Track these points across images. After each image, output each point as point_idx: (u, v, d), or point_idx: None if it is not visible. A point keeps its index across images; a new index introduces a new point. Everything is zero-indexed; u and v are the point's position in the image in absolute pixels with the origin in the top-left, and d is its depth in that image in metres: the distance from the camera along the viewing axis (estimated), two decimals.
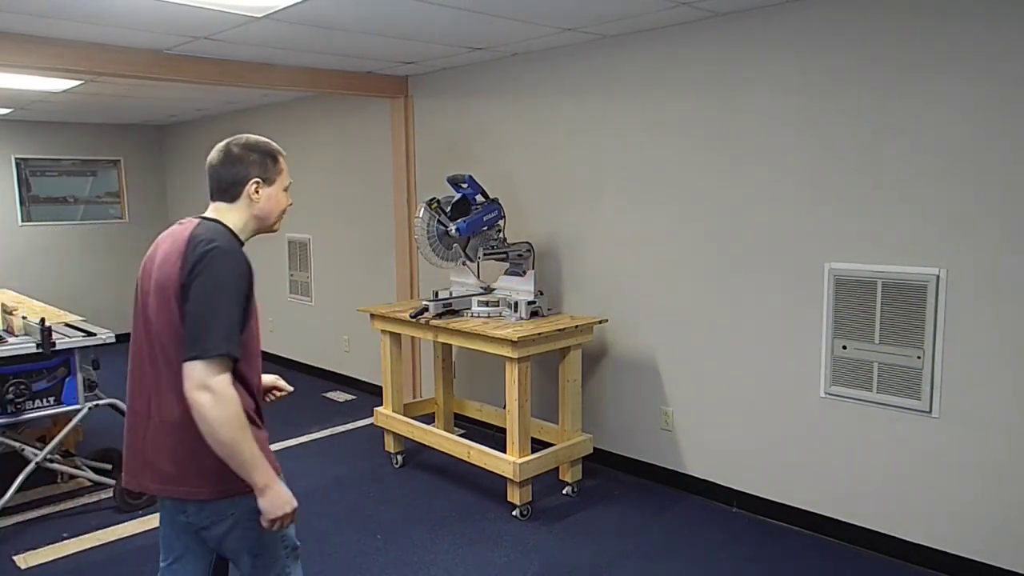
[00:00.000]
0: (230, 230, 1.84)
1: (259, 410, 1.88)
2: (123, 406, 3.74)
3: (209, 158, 1.88)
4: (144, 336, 1.80)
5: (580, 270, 4.16)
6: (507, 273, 4.04)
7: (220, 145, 1.88)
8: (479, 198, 3.97)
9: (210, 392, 1.63)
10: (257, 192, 1.86)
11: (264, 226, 1.93)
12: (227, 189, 1.86)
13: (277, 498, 1.74)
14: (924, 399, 2.94)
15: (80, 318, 4.16)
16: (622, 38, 3.78)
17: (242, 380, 1.76)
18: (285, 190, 1.94)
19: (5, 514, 3.62)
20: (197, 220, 1.83)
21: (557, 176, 4.20)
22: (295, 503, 1.78)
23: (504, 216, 3.98)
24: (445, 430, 4.40)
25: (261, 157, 1.87)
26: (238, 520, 1.81)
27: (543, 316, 3.85)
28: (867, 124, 3.00)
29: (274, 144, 1.93)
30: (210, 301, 1.68)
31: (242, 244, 1.85)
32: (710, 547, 3.27)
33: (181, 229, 1.81)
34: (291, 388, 2.20)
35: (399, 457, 4.29)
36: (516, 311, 3.78)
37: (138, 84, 5.01)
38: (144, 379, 1.81)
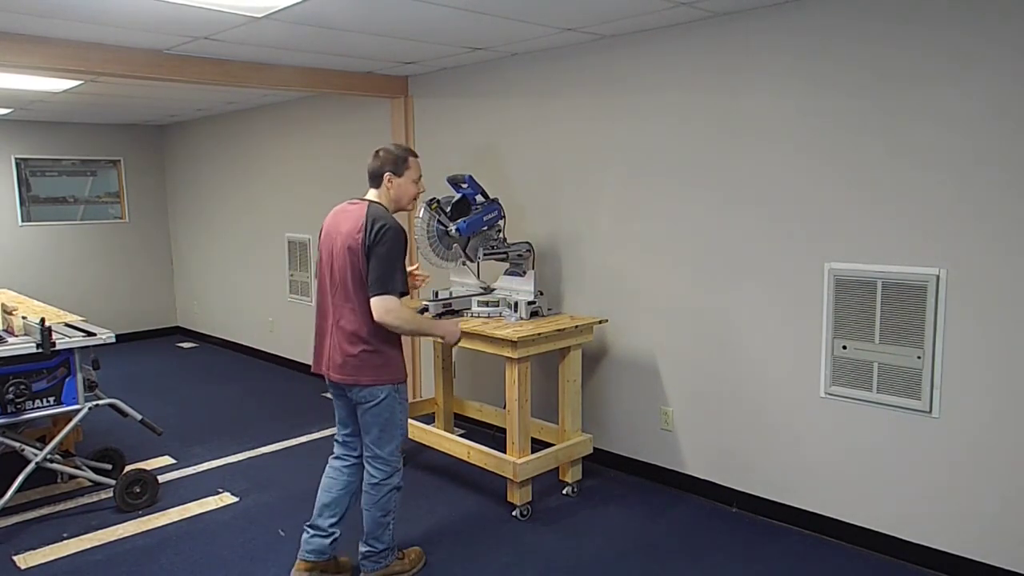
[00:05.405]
0: (386, 208, 2.73)
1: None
2: (123, 406, 3.78)
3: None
4: (330, 278, 2.74)
5: (580, 270, 4.16)
6: (507, 273, 4.04)
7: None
8: (479, 198, 3.97)
9: (393, 313, 2.65)
10: (390, 182, 2.76)
11: (399, 206, 2.82)
12: (373, 179, 2.78)
13: (450, 332, 3.01)
14: (924, 399, 2.94)
15: (80, 318, 4.16)
16: (622, 38, 3.78)
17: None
18: (415, 182, 2.83)
19: (5, 514, 3.63)
20: (367, 202, 2.73)
21: (557, 176, 4.20)
22: (458, 329, 3.05)
23: (504, 216, 3.98)
24: (445, 430, 4.40)
25: (394, 157, 2.77)
26: (379, 402, 2.74)
27: (543, 316, 3.85)
28: (867, 124, 3.00)
29: (405, 148, 2.83)
30: (389, 260, 2.63)
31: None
32: (710, 547, 3.27)
33: (357, 208, 2.71)
34: (426, 274, 3.32)
35: None
36: (516, 311, 3.78)
37: (138, 84, 5.01)
38: (329, 306, 2.76)
